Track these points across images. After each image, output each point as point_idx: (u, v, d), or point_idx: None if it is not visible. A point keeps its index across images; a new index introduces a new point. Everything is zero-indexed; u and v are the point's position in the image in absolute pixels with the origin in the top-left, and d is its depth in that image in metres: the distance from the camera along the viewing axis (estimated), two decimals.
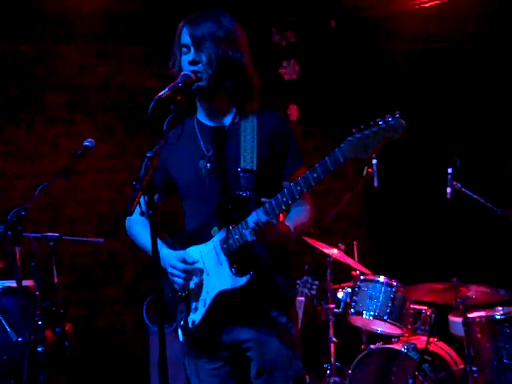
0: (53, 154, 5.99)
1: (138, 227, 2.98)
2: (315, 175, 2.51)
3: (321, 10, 6.76)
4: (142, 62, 6.30)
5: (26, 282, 4.14)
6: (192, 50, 2.80)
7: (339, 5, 6.68)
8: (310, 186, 2.54)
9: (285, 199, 2.58)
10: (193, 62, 2.78)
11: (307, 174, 2.54)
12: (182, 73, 2.78)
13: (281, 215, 2.69)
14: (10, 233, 3.33)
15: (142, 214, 2.47)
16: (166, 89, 2.67)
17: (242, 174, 2.77)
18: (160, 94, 2.64)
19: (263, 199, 2.62)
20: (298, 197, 2.57)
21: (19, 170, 5.93)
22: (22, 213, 3.35)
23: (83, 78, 6.14)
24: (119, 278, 6.16)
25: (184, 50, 2.83)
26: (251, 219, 2.62)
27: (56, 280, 4.22)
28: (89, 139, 3.63)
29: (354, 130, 2.43)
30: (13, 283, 4.40)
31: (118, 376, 6.02)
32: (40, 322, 3.37)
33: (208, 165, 2.86)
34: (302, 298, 4.92)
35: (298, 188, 2.55)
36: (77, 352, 4.84)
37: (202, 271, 2.81)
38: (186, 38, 2.82)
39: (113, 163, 6.19)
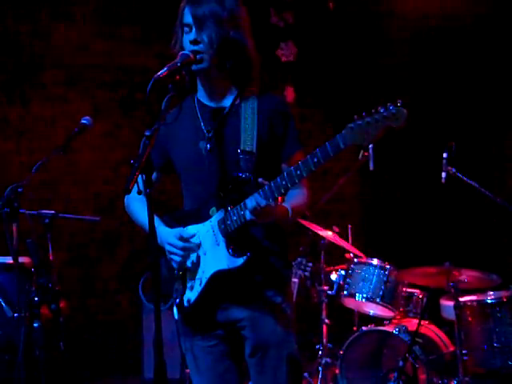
0: (49, 131, 5.99)
1: (137, 205, 2.99)
2: (315, 160, 2.53)
3: None
4: (140, 42, 6.29)
5: (21, 259, 4.15)
6: (194, 29, 2.79)
7: None
8: (310, 170, 2.55)
9: (284, 183, 2.59)
10: (194, 42, 2.78)
11: (307, 158, 2.55)
12: (181, 52, 2.77)
13: (279, 198, 2.70)
14: (6, 209, 3.34)
15: (139, 192, 2.47)
16: (165, 68, 2.66)
17: (241, 156, 2.78)
18: (158, 73, 2.62)
19: (260, 180, 2.64)
20: (297, 181, 2.58)
21: (15, 148, 5.93)
22: (19, 190, 3.36)
23: (80, 57, 6.13)
24: (114, 255, 6.19)
25: (186, 29, 2.82)
26: (250, 202, 2.63)
27: (51, 257, 4.24)
28: (86, 117, 3.63)
29: (355, 117, 2.43)
30: (8, 259, 4.42)
31: (112, 352, 6.06)
32: (36, 299, 3.40)
33: (208, 146, 2.86)
34: (296, 280, 4.95)
35: (298, 172, 2.57)
36: (71, 329, 4.87)
37: (199, 247, 2.83)
38: (188, 18, 2.81)
39: (109, 142, 6.19)
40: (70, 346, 4.05)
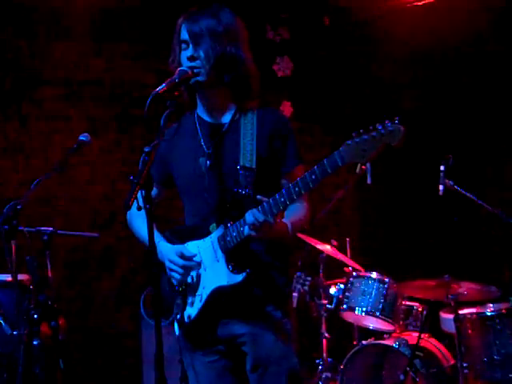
0: (46, 148, 5.98)
1: (138, 221, 3.00)
2: (313, 177, 2.54)
3: (314, 6, 6.79)
4: (137, 58, 6.30)
5: (20, 276, 4.14)
6: (191, 45, 2.81)
7: (333, 2, 6.71)
8: (308, 187, 2.56)
9: (282, 199, 2.60)
10: (191, 58, 2.80)
11: (305, 175, 2.56)
12: (179, 68, 2.79)
13: (278, 214, 2.70)
14: (5, 227, 3.34)
15: (139, 208, 2.48)
16: (163, 84, 2.67)
17: (241, 172, 2.79)
18: (157, 89, 2.64)
19: (259, 197, 2.64)
20: (295, 197, 2.60)
21: (12, 164, 5.93)
22: (18, 207, 3.36)
23: (78, 74, 6.13)
24: (112, 271, 6.17)
25: (183, 45, 2.84)
26: (249, 218, 2.64)
27: (50, 274, 4.23)
28: (84, 134, 3.64)
29: (353, 134, 2.44)
30: (7, 277, 4.40)
31: (112, 369, 6.03)
32: (35, 316, 3.39)
33: (208, 162, 2.88)
34: (295, 294, 4.94)
35: (297, 189, 2.58)
36: (70, 346, 4.85)
37: (199, 266, 2.83)
38: (184, 34, 2.83)
39: (106, 157, 6.19)
40: (70, 363, 4.03)
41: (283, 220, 2.80)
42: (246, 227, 2.64)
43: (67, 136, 5.85)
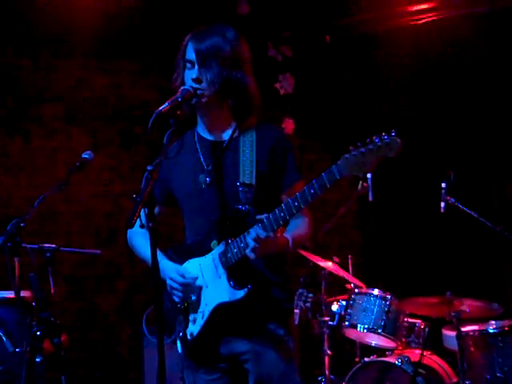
0: (49, 166, 6.01)
1: (139, 239, 3.01)
2: (312, 191, 2.55)
3: (316, 25, 6.83)
4: (140, 76, 6.35)
5: (23, 293, 4.14)
6: (196, 66, 2.82)
7: (334, 20, 6.76)
8: (308, 201, 2.58)
9: (282, 214, 2.61)
10: (196, 80, 2.81)
11: (304, 189, 2.57)
12: (182, 87, 2.80)
13: (279, 229, 2.71)
14: (9, 244, 3.34)
15: (142, 226, 2.49)
16: (166, 103, 2.68)
17: (240, 189, 2.80)
18: (160, 108, 2.65)
19: (258, 216, 2.65)
20: (295, 212, 2.61)
21: (15, 182, 5.95)
22: (22, 224, 3.37)
23: (81, 92, 6.17)
24: (115, 289, 6.18)
25: (188, 65, 2.85)
26: (250, 235, 2.65)
27: (52, 291, 4.23)
28: (87, 151, 3.65)
29: (350, 148, 2.46)
30: (9, 294, 4.41)
31: None
32: (38, 333, 3.38)
33: (207, 179, 2.89)
34: (297, 311, 4.94)
35: (296, 204, 2.59)
36: (72, 363, 4.84)
37: (200, 287, 2.84)
38: (190, 54, 2.83)
39: (109, 175, 6.22)
40: (72, 380, 4.02)
41: (284, 235, 2.80)
42: (249, 250, 2.65)
43: (70, 153, 5.87)
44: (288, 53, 6.85)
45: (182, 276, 2.83)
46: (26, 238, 3.69)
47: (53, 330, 3.42)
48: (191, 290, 2.85)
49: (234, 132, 2.92)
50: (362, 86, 6.92)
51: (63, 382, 3.63)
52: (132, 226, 2.45)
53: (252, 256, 2.65)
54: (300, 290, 5.07)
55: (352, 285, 5.08)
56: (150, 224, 2.51)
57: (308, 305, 5.04)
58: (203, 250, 2.84)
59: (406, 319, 4.91)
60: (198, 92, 2.79)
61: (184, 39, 2.89)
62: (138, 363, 5.54)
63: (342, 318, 4.95)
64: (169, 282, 2.86)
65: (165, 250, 2.96)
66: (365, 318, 4.84)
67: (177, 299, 2.88)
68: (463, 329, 4.58)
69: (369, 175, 4.89)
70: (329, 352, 5.05)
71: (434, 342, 4.95)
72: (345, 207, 5.25)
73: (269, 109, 6.32)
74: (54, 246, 4.27)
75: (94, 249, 5.13)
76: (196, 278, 2.84)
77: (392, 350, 4.92)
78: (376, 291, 4.91)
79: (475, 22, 6.11)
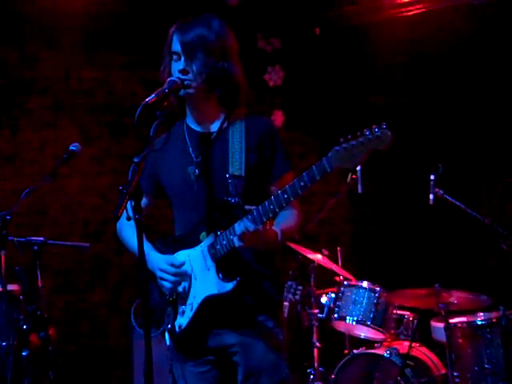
0: (37, 157, 5.97)
1: (128, 231, 2.99)
2: (302, 183, 2.54)
3: (306, 16, 6.81)
4: (128, 67, 6.30)
5: (9, 287, 4.12)
6: (182, 58, 2.80)
7: (324, 12, 6.74)
8: (297, 194, 2.57)
9: (272, 207, 2.60)
10: (183, 71, 2.80)
11: (294, 182, 2.56)
12: (169, 79, 2.78)
13: (267, 222, 2.70)
14: None
15: (128, 218, 2.48)
16: (153, 95, 2.67)
17: (230, 180, 2.79)
18: (146, 100, 2.64)
19: (247, 207, 2.64)
20: (284, 205, 2.60)
21: (3, 174, 5.91)
22: (8, 217, 3.36)
23: (69, 83, 6.12)
24: (103, 282, 6.15)
25: (174, 57, 2.83)
26: (238, 227, 2.64)
27: (40, 284, 4.21)
28: (74, 143, 3.63)
29: (341, 140, 2.45)
30: None
31: (102, 379, 6.01)
32: (25, 327, 3.37)
33: (196, 171, 2.88)
34: (286, 303, 4.93)
35: (285, 196, 2.58)
36: (60, 356, 4.82)
37: (189, 276, 2.83)
38: (176, 46, 2.82)
39: (97, 167, 6.18)
40: (60, 374, 4.00)
41: (273, 227, 2.79)
42: (236, 238, 2.64)
43: (58, 146, 5.83)
44: (277, 44, 6.83)
45: (172, 265, 2.81)
46: (13, 230, 3.67)
47: (40, 324, 3.41)
48: (180, 281, 2.84)
49: (222, 123, 2.91)
50: (351, 78, 6.91)
51: (50, 377, 3.61)
52: (118, 218, 2.44)
53: (239, 244, 2.63)
54: (289, 283, 5.06)
55: (341, 277, 5.09)
56: (137, 216, 2.49)
57: (297, 297, 5.04)
58: (192, 242, 2.83)
59: (394, 311, 4.92)
60: (186, 83, 2.78)
61: (169, 30, 2.87)
62: (127, 356, 5.53)
63: (331, 311, 4.96)
64: (158, 273, 2.84)
65: (153, 241, 2.95)
66: (354, 311, 4.85)
67: (166, 291, 2.86)
68: (451, 320, 4.59)
69: (358, 167, 4.88)
70: (318, 344, 5.06)
71: (422, 334, 4.97)
72: (334, 199, 5.25)
73: (258, 101, 6.38)
74: (41, 238, 4.24)
75: (82, 242, 5.11)
76: (184, 264, 2.82)
77: (381, 342, 4.93)
78: (365, 283, 4.92)
79: (464, 13, 6.12)
